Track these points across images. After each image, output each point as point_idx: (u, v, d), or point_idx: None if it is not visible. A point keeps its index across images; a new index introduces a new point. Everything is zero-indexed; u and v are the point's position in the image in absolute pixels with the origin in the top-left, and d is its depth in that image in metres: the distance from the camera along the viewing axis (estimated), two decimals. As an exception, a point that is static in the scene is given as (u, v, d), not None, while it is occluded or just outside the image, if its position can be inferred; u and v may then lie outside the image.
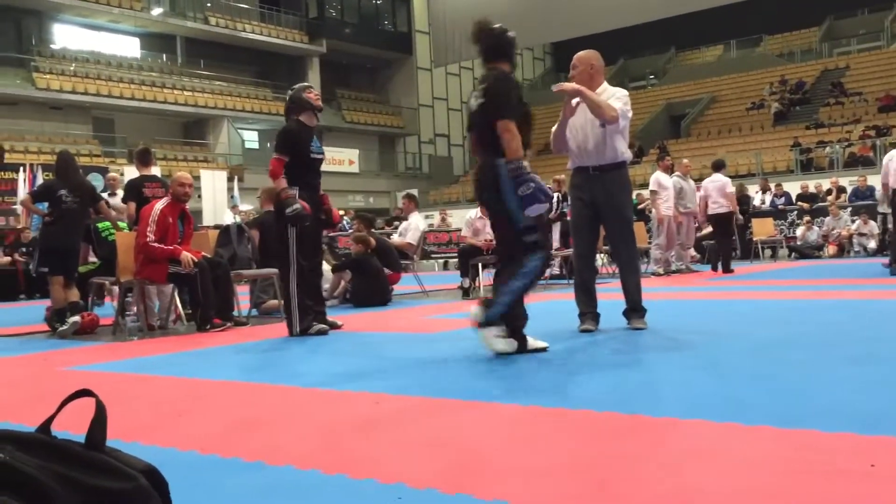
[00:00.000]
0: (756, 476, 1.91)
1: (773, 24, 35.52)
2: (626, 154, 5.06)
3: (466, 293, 9.04)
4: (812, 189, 17.82)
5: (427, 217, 20.69)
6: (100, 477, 0.96)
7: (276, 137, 5.85)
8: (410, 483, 1.95)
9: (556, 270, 11.93)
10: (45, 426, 1.05)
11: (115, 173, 8.49)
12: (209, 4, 30.66)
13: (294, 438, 2.53)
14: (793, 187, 18.27)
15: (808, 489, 1.79)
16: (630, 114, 5.02)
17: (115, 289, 7.15)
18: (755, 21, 34.02)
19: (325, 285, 9.03)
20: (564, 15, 25.59)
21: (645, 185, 12.17)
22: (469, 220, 9.58)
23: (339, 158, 30.75)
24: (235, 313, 6.87)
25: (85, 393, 1.09)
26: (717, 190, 11.32)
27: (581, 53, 5.09)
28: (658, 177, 11.28)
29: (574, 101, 4.86)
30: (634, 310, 5.06)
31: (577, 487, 1.89)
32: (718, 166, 11.82)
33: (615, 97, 4.91)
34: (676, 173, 11.63)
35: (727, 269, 11.21)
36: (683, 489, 1.83)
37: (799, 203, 16.98)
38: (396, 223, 18.61)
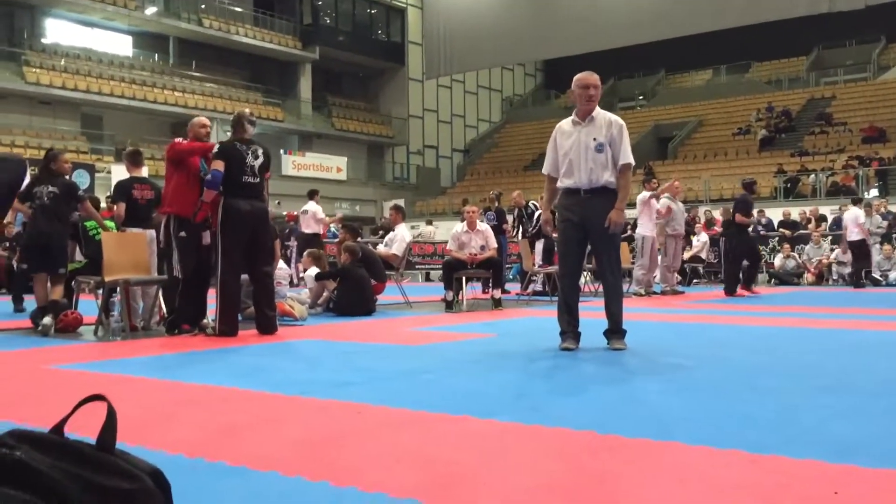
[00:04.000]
0: (725, 499, 1.98)
1: (761, 51, 35.93)
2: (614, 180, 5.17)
3: (450, 306, 9.11)
4: (795, 216, 18.04)
5: (413, 227, 20.73)
6: (110, 477, 1.02)
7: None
8: (392, 493, 2.01)
9: (538, 287, 12.03)
10: (59, 427, 1.11)
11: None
12: (203, 6, 30.67)
13: (278, 445, 2.58)
14: (775, 213, 18.50)
15: (774, 513, 1.87)
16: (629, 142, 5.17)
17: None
18: (744, 47, 34.40)
19: (304, 291, 9.08)
20: (557, 33, 25.80)
21: (632, 205, 12.33)
22: (455, 234, 9.66)
23: (327, 165, 30.77)
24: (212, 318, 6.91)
25: (97, 397, 1.15)
26: (852, 221, 13.83)
27: (593, 77, 5.17)
28: (645, 199, 11.41)
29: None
30: (615, 331, 5.14)
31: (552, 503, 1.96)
32: (856, 202, 14.95)
33: (626, 146, 5.11)
34: (666, 195, 11.76)
35: (858, 285, 13.84)
36: (654, 509, 1.90)
37: (780, 229, 17.18)
38: (381, 232, 18.68)
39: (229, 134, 6.59)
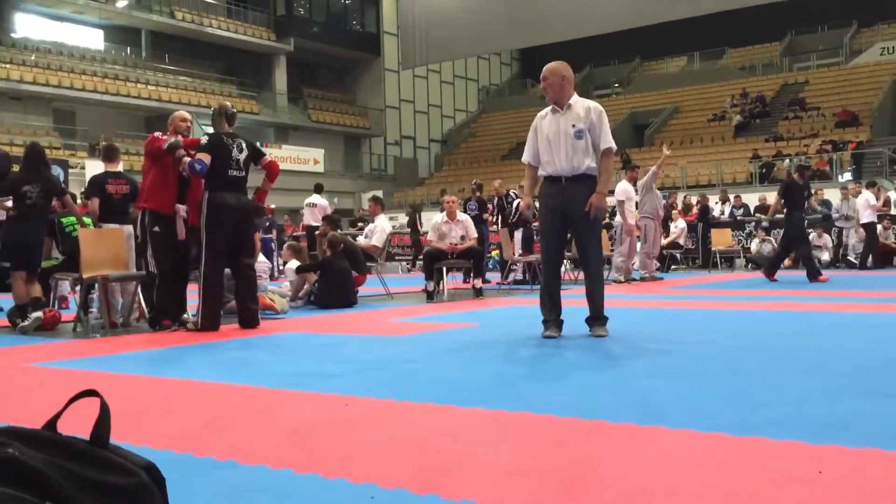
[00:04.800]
0: (710, 481, 2.01)
1: (735, 38, 36.15)
2: (595, 167, 5.18)
3: (431, 296, 9.12)
4: (771, 201, 18.17)
5: (391, 219, 20.70)
6: (105, 472, 1.02)
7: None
8: (381, 483, 2.02)
9: (518, 276, 12.07)
10: (52, 423, 1.11)
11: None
12: (175, -2, 30.39)
13: (265, 438, 2.58)
14: (751, 198, 18.66)
15: (759, 494, 1.90)
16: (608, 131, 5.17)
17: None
18: (718, 34, 34.60)
19: (285, 284, 9.06)
20: (532, 22, 25.81)
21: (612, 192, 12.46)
22: (435, 225, 9.66)
23: (304, 157, 30.63)
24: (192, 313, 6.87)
25: (90, 393, 1.15)
26: (863, 204, 14.16)
27: (552, 65, 5.19)
28: (625, 187, 11.47)
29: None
30: (597, 318, 5.17)
31: (541, 489, 1.97)
32: (869, 185, 15.16)
33: (606, 131, 5.11)
34: (642, 179, 11.84)
35: (877, 265, 14.05)
36: (642, 492, 1.92)
37: (757, 214, 17.33)
38: (360, 224, 18.63)
39: (206, 128, 6.55)
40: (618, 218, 11.71)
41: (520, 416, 2.82)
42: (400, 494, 1.95)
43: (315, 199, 14.84)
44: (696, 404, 2.96)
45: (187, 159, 6.09)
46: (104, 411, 1.10)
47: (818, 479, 1.99)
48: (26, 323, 6.31)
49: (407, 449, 2.41)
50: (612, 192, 11.85)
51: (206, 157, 6.01)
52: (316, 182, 16.17)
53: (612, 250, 12.22)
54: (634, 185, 11.72)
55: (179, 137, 6.25)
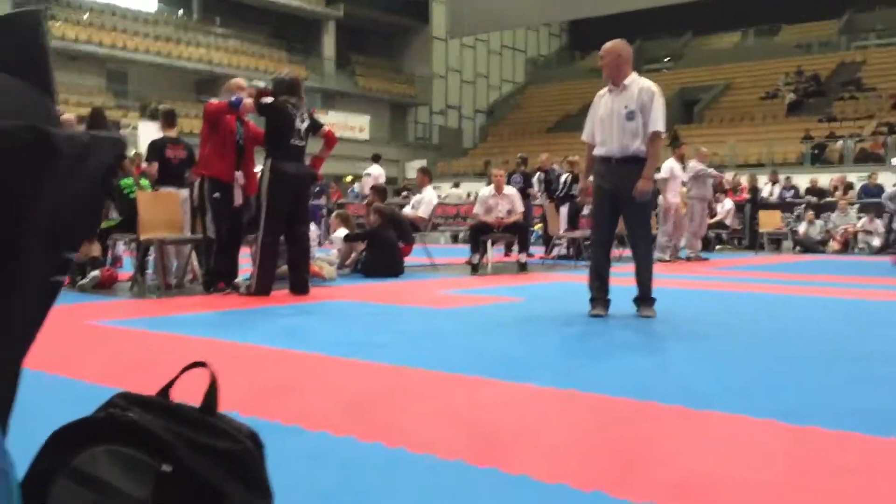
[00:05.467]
0: (765, 468, 2.05)
1: (791, 14, 35.26)
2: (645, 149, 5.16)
3: (475, 269, 9.18)
4: (823, 184, 17.84)
5: (435, 188, 20.77)
6: (214, 438, 1.10)
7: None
8: (440, 454, 2.10)
9: (563, 251, 12.07)
10: (165, 391, 1.20)
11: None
12: (227, -39, 30.50)
13: (326, 405, 2.68)
14: (802, 180, 18.33)
15: (814, 484, 1.94)
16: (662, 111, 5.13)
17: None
18: (774, 9, 33.81)
19: (332, 252, 9.19)
20: (584, -7, 25.49)
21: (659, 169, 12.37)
22: (482, 198, 9.69)
23: (350, 125, 30.72)
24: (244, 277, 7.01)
25: (198, 364, 1.23)
26: None
27: (610, 45, 5.18)
28: (671, 165, 11.37)
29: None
30: (644, 299, 5.19)
31: (596, 467, 2.03)
32: None
33: (656, 114, 5.06)
34: (693, 160, 11.73)
35: None
36: (696, 476, 1.97)
37: (807, 197, 17.04)
38: (405, 193, 18.72)
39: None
40: (662, 197, 11.62)
41: (569, 394, 2.87)
42: (459, 466, 2.02)
43: (372, 168, 15.14)
44: (744, 388, 2.99)
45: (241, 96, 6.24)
46: (213, 381, 1.19)
47: (872, 472, 2.02)
48: (85, 281, 6.52)
49: (462, 421, 2.49)
50: (659, 170, 11.82)
51: (250, 105, 6.17)
52: (374, 152, 16.64)
53: (657, 229, 12.14)
54: (681, 162, 11.60)
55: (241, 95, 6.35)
